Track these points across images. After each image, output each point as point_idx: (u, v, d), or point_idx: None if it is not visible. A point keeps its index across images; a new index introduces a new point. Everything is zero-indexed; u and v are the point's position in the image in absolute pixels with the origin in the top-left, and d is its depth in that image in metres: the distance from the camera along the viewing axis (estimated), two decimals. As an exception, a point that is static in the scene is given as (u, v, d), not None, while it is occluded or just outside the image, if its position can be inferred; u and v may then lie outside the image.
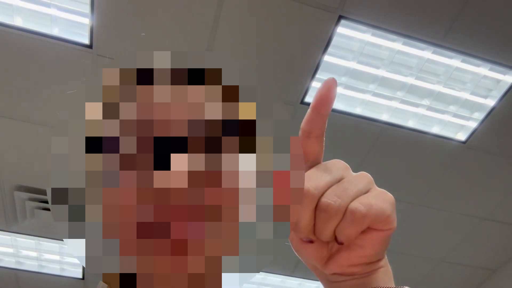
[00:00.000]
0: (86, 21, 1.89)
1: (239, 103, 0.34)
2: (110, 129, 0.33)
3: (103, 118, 0.33)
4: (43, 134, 2.24)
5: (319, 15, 1.86)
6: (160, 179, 0.32)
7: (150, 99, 0.33)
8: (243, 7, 1.86)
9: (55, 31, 1.92)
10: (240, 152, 0.33)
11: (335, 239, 0.35)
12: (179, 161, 0.33)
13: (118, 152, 0.32)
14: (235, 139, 0.33)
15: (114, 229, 0.32)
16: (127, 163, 0.32)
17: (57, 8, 1.87)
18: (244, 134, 0.33)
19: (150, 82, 0.33)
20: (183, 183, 0.32)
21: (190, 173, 0.33)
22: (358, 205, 0.33)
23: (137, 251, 0.32)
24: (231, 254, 0.33)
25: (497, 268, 3.00)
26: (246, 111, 0.34)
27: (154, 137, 0.33)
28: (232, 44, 1.97)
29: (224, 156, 0.33)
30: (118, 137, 0.33)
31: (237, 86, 0.34)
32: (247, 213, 0.33)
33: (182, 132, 0.33)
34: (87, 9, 1.86)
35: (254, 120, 0.33)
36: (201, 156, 0.33)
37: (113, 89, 0.33)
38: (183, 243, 0.32)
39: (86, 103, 0.33)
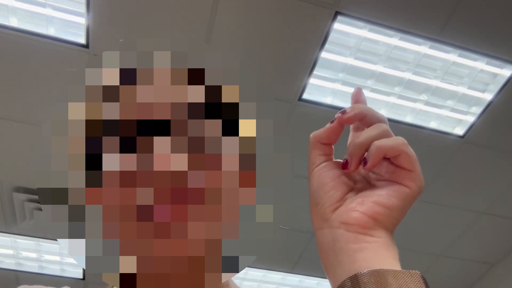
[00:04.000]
0: (82, 20, 1.89)
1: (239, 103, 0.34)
2: (110, 111, 0.33)
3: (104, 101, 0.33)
4: (40, 135, 2.24)
5: (316, 12, 1.86)
6: (160, 162, 0.32)
7: (150, 82, 0.33)
8: (239, 5, 1.85)
9: (51, 31, 1.92)
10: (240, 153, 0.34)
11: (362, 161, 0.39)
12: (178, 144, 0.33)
13: (118, 135, 0.32)
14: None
15: (114, 227, 0.32)
16: (127, 146, 0.32)
17: (52, 8, 1.86)
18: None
19: (151, 82, 0.33)
20: (183, 166, 0.32)
21: (190, 157, 0.33)
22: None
23: (136, 234, 0.32)
24: (230, 236, 0.33)
25: (496, 262, 3.01)
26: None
27: (154, 119, 0.33)
28: (229, 41, 1.96)
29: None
30: (118, 120, 0.33)
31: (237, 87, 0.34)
32: (247, 196, 0.33)
33: (182, 116, 0.33)
34: (82, 8, 1.85)
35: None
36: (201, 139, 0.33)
37: (113, 88, 0.33)
38: (183, 226, 0.32)
39: (86, 103, 0.33)
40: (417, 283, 0.33)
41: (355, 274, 0.34)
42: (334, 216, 0.38)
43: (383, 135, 0.38)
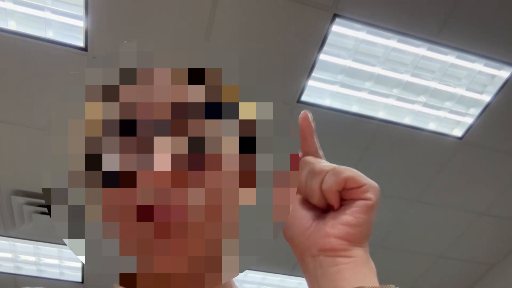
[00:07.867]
0: (81, 23, 1.89)
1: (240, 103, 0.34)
2: (110, 112, 0.33)
3: (104, 101, 0.33)
4: (39, 138, 2.24)
5: (314, 14, 1.87)
6: (159, 162, 0.32)
7: (150, 82, 0.33)
8: (237, 7, 1.86)
9: (50, 34, 1.92)
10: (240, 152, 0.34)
11: (325, 201, 0.41)
12: (178, 144, 0.33)
13: (118, 135, 0.33)
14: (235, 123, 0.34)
15: (114, 227, 0.32)
16: (127, 145, 0.32)
17: (51, 11, 1.87)
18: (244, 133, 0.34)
19: (151, 82, 0.33)
20: (183, 166, 0.32)
21: (190, 157, 0.33)
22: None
23: (137, 234, 0.32)
24: (230, 237, 0.33)
25: (496, 263, 3.01)
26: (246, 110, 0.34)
27: (154, 119, 0.33)
28: (227, 44, 1.97)
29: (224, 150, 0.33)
30: (118, 120, 0.33)
31: (237, 87, 0.34)
32: (247, 197, 0.34)
33: (182, 116, 0.33)
34: (81, 11, 1.85)
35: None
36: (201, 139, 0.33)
37: (113, 88, 0.33)
38: (183, 226, 0.32)
39: (86, 103, 0.33)
40: None
41: None
42: (311, 244, 0.41)
43: (323, 178, 0.41)
